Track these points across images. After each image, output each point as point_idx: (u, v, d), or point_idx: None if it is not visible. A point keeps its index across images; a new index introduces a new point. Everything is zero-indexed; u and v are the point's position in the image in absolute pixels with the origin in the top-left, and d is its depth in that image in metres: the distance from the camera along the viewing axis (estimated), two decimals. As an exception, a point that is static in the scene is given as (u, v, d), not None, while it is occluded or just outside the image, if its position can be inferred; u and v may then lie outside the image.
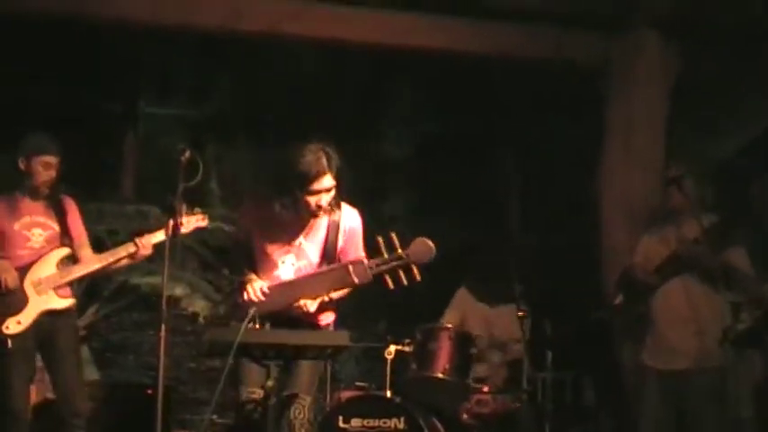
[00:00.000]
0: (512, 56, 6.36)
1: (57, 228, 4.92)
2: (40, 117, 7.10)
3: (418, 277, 3.98)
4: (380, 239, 3.98)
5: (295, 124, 7.45)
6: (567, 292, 6.48)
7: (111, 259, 4.91)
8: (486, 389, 5.65)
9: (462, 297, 6.21)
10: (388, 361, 5.37)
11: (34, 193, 4.90)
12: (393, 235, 3.98)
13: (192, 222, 4.86)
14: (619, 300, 5.12)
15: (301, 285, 4.12)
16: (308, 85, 8.14)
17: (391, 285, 3.99)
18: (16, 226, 4.85)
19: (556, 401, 5.67)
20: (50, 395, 5.18)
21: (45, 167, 4.84)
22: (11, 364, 4.73)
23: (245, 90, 8.07)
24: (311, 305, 4.08)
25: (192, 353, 6.78)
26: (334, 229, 4.18)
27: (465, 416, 5.55)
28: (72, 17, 6.02)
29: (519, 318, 5.56)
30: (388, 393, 5.28)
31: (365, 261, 4.04)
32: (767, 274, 4.74)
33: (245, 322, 3.88)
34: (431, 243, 4.00)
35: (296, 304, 4.07)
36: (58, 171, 4.89)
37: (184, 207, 4.27)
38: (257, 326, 4.03)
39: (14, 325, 4.73)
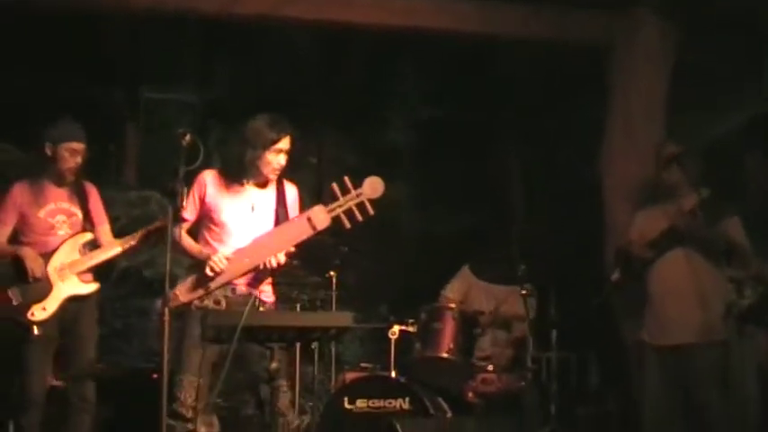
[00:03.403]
0: (514, 36, 6.33)
1: (80, 214, 4.96)
2: (41, 104, 7.08)
3: (371, 211, 4.23)
4: (335, 185, 4.25)
5: (297, 108, 7.42)
6: (572, 272, 6.47)
7: (133, 243, 4.93)
8: (490, 368, 5.66)
9: (467, 273, 6.21)
10: (392, 341, 5.39)
11: (60, 180, 4.94)
12: (346, 178, 4.25)
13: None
14: (616, 276, 5.12)
15: (264, 244, 4.32)
16: (310, 69, 8.11)
17: (348, 224, 4.23)
18: (41, 213, 4.90)
19: (561, 382, 5.68)
20: (56, 383, 5.19)
21: (72, 154, 4.89)
22: (33, 350, 4.78)
23: (247, 75, 8.04)
24: (281, 256, 4.29)
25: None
26: (281, 200, 4.51)
27: (470, 395, 5.58)
28: (73, 4, 6.03)
29: (523, 296, 5.57)
30: (393, 374, 5.29)
31: (323, 207, 4.27)
32: (761, 246, 4.75)
33: (248, 306, 3.93)
34: (380, 179, 4.27)
35: (265, 260, 4.27)
36: (83, 157, 4.93)
37: (185, 190, 4.28)
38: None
39: (40, 312, 4.76)
